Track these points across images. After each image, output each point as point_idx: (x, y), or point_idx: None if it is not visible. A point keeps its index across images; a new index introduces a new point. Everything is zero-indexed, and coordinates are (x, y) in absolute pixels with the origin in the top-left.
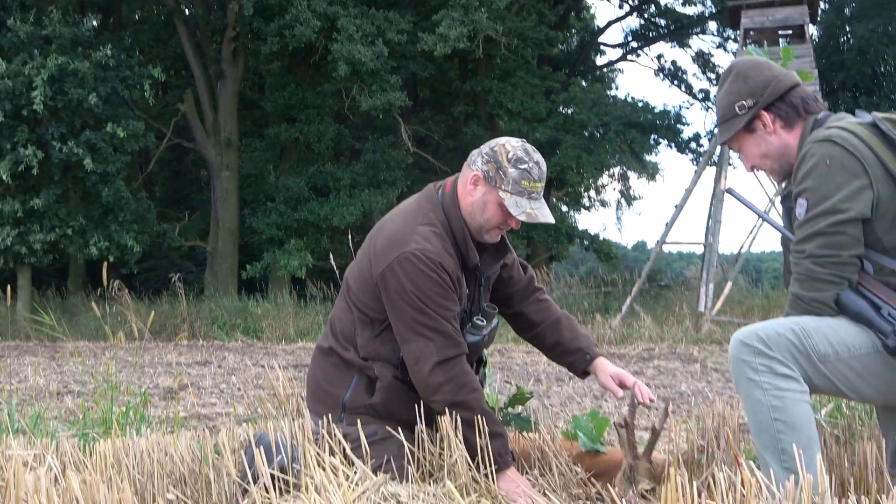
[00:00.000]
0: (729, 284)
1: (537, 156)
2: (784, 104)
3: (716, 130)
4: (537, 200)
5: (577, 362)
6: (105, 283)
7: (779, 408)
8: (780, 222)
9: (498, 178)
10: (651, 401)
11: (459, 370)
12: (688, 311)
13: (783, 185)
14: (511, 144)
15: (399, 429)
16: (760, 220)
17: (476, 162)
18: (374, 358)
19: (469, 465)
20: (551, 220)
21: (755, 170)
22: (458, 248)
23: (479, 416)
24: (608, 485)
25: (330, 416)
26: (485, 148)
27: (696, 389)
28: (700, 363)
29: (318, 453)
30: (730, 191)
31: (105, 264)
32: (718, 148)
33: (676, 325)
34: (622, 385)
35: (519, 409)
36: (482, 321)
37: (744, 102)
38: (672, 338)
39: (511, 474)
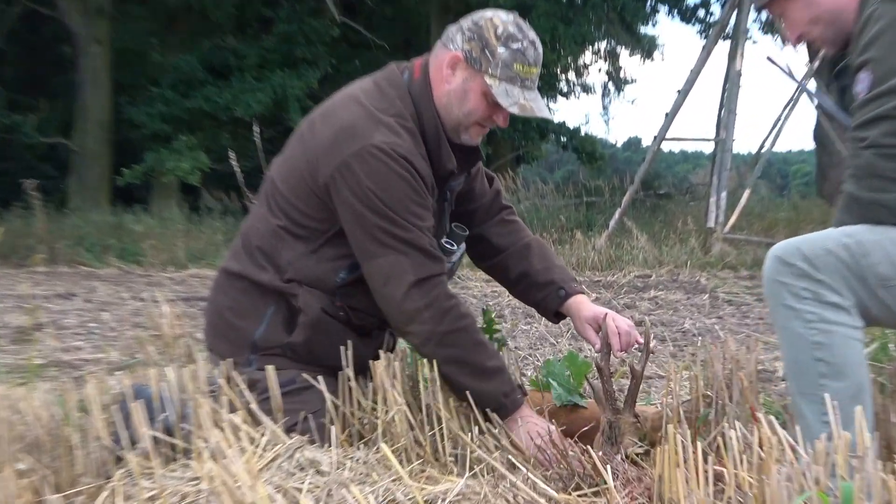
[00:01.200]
0: (746, 193)
1: (532, 34)
2: None
3: None
4: (531, 90)
5: (549, 299)
6: None
7: (823, 345)
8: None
9: (483, 60)
10: (631, 346)
11: (442, 292)
12: (694, 226)
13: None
14: (500, 18)
15: (322, 377)
16: (790, 106)
17: (455, 40)
18: (302, 281)
19: (411, 423)
20: (549, 115)
21: (802, 40)
22: (429, 150)
23: (472, 350)
24: (589, 447)
25: (234, 359)
26: (466, 22)
27: (703, 327)
28: (709, 294)
29: (214, 409)
30: (770, 59)
31: None
32: (733, 16)
33: (679, 245)
34: (610, 332)
35: None
36: (451, 244)
37: None
38: (673, 261)
39: (526, 415)
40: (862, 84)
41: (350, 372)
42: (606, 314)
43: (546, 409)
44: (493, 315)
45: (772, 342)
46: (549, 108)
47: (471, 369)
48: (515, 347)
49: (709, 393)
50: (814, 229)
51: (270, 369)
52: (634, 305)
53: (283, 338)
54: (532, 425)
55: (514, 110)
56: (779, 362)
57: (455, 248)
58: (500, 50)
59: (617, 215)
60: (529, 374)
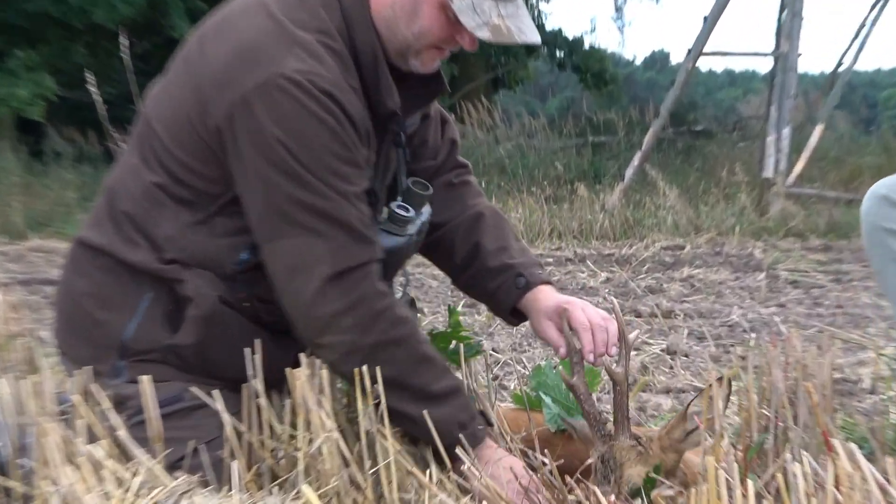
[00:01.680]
0: (819, 129)
1: None
2: None
3: None
4: (511, 2)
5: (504, 289)
6: None
7: None
8: None
9: None
10: (610, 346)
11: (370, 289)
12: (745, 177)
13: None
14: None
15: (218, 392)
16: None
17: None
18: (188, 262)
19: (345, 458)
20: (537, 39)
21: None
22: (364, 80)
23: (413, 369)
24: (596, 489)
25: (95, 366)
26: None
27: (758, 320)
28: (767, 272)
29: (66, 438)
30: None
31: None
32: None
33: (724, 203)
34: (577, 327)
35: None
36: (406, 211)
37: None
38: (716, 227)
39: (490, 452)
40: None
41: (259, 385)
42: (571, 302)
43: (538, 436)
44: (459, 314)
45: (855, 340)
46: (536, 27)
47: (411, 394)
48: (493, 349)
49: (765, 411)
50: None
51: (146, 381)
52: (661, 289)
53: (165, 338)
54: (504, 468)
55: (484, 35)
56: (864, 368)
57: (411, 214)
58: None
59: (636, 161)
60: (511, 386)
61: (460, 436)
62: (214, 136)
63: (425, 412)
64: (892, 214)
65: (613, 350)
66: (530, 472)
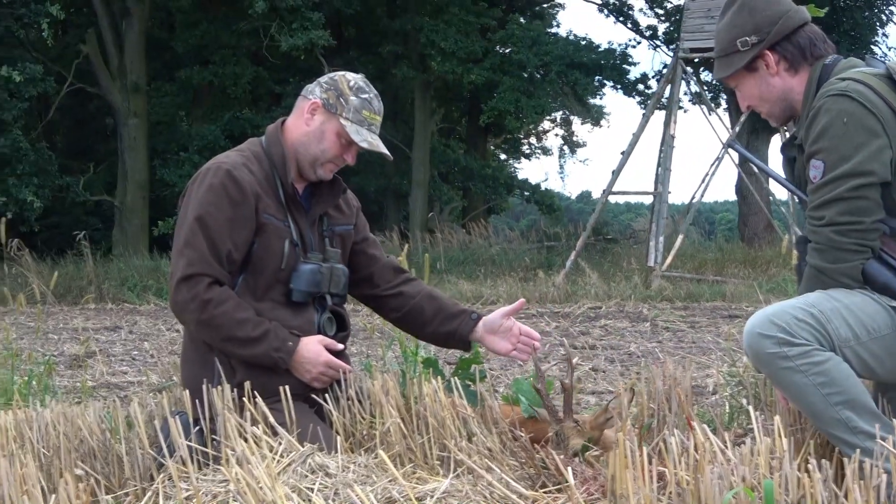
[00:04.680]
0: (680, 237)
1: (374, 91)
2: (791, 45)
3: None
4: (376, 134)
5: (463, 325)
6: (3, 241)
7: (826, 383)
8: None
9: (339, 106)
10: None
11: (204, 287)
12: (636, 266)
13: (784, 129)
14: (351, 75)
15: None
16: (715, 163)
17: (314, 91)
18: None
19: (404, 433)
20: (388, 154)
21: (749, 109)
22: (275, 172)
23: (235, 327)
24: (552, 451)
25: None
26: (323, 78)
27: (646, 350)
28: (650, 322)
29: (239, 423)
30: (731, 144)
31: (2, 221)
32: (667, 89)
33: (624, 281)
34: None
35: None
36: (317, 255)
37: (747, 39)
38: (620, 295)
39: (300, 356)
40: (816, 170)
41: (351, 391)
42: (505, 313)
43: (517, 420)
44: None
45: (703, 362)
46: (511, 178)
47: (240, 342)
48: (490, 369)
49: (651, 405)
50: (736, 268)
51: (285, 391)
52: (588, 332)
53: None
54: (306, 362)
55: (365, 145)
56: (709, 378)
57: (320, 257)
58: (353, 98)
59: (572, 256)
60: (501, 390)
61: (277, 356)
62: None
63: (253, 350)
64: (766, 342)
65: (537, 344)
66: (320, 353)
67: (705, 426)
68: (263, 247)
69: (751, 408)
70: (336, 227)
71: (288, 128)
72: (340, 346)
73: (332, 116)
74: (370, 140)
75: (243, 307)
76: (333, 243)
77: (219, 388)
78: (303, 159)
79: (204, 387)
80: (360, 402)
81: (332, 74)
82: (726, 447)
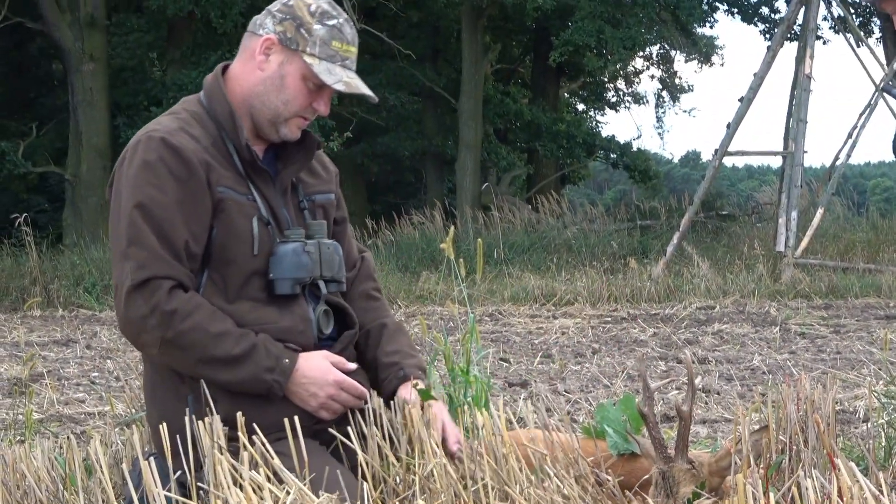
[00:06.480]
0: (820, 212)
1: (344, 13)
2: None
3: None
4: (352, 70)
5: (388, 380)
6: None
7: None
8: None
9: (300, 39)
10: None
11: (164, 295)
12: (761, 251)
13: None
14: None
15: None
16: (866, 113)
17: (265, 24)
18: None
19: (451, 478)
20: (372, 95)
21: None
22: (223, 134)
23: (212, 345)
24: (649, 499)
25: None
26: (274, 6)
27: (774, 364)
28: (780, 326)
29: (233, 466)
30: (886, 89)
31: None
32: (801, 13)
33: (745, 272)
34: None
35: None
36: (298, 231)
37: None
38: (739, 291)
39: (300, 376)
40: None
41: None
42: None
43: (601, 459)
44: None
45: (851, 379)
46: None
47: (222, 364)
48: (565, 390)
49: (782, 438)
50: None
51: (292, 424)
52: (697, 341)
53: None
54: (309, 383)
55: (340, 87)
56: (859, 401)
57: (300, 233)
58: (317, 27)
59: (675, 240)
60: (581, 419)
61: (270, 378)
62: None
63: (238, 373)
64: None
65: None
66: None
67: (853, 465)
68: (225, 230)
69: None
70: (315, 196)
71: (234, 77)
72: (353, 366)
73: (292, 54)
74: (346, 79)
75: (220, 317)
76: (315, 215)
77: (206, 420)
78: (260, 116)
79: (186, 418)
80: (392, 437)
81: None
82: (882, 493)
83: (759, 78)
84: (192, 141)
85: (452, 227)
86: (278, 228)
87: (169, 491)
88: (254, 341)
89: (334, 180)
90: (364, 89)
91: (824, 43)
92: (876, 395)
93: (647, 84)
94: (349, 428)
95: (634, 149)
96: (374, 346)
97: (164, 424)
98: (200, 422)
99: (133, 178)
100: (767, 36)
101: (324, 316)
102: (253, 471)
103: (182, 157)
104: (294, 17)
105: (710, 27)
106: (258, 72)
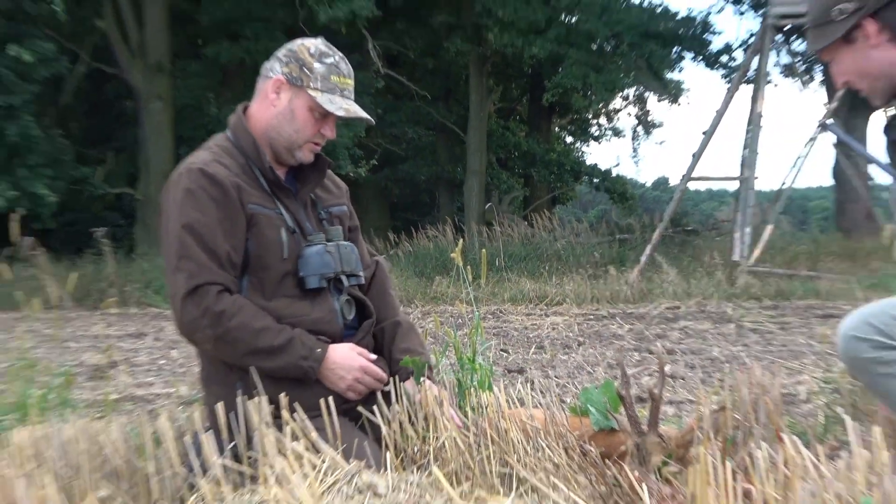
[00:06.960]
0: (769, 228)
1: (339, 52)
2: (895, 12)
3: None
4: (351, 99)
5: (399, 374)
6: (14, 240)
7: None
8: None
9: (304, 77)
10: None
11: (213, 298)
12: (720, 260)
13: (887, 110)
14: (309, 41)
15: (373, 408)
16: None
17: (274, 68)
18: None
19: (461, 448)
20: (369, 118)
21: (846, 86)
22: (249, 161)
23: (256, 338)
24: (626, 466)
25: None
26: (279, 52)
27: (730, 355)
28: (735, 323)
29: (278, 439)
30: (828, 126)
31: (13, 218)
32: (755, 61)
33: (706, 278)
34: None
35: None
36: (319, 236)
37: (845, 6)
38: (701, 293)
39: (331, 362)
40: None
41: (400, 407)
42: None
43: (585, 433)
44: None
45: (794, 367)
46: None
47: (265, 354)
48: (555, 376)
49: (737, 416)
50: (832, 262)
51: (327, 403)
52: (665, 335)
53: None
54: (338, 368)
55: (341, 113)
56: (801, 385)
57: (321, 236)
58: (317, 65)
59: (648, 251)
60: (568, 400)
61: (305, 364)
62: None
63: (279, 361)
64: (863, 346)
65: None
66: (357, 359)
67: (796, 438)
68: (258, 241)
69: (847, 417)
70: (331, 208)
71: (253, 114)
72: (374, 357)
73: (299, 90)
74: (346, 106)
75: (261, 315)
76: (332, 223)
77: (255, 400)
78: (278, 145)
79: (238, 399)
80: (410, 414)
81: (288, 45)
82: (819, 461)
83: (720, 115)
84: (224, 169)
85: (461, 240)
86: (303, 235)
87: (225, 459)
88: (291, 334)
89: (345, 195)
90: (361, 113)
91: (775, 86)
92: (815, 380)
93: (625, 120)
94: (374, 407)
95: (614, 174)
96: (388, 343)
97: (221, 404)
98: (251, 401)
99: (178, 204)
100: (727, 80)
101: (346, 305)
102: (294, 442)
103: (217, 182)
104: (297, 59)
105: (679, 72)
106: (272, 108)
